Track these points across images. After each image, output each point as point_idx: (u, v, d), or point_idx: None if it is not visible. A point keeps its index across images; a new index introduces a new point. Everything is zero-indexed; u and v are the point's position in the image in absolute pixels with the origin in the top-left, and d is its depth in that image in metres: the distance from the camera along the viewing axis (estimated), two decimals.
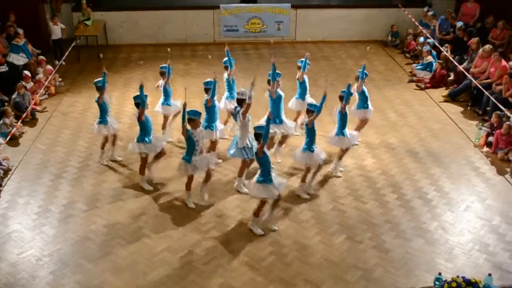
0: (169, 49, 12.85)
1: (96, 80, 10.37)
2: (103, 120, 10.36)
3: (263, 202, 8.58)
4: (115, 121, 10.74)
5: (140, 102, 9.43)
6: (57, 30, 16.13)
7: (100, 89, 10.13)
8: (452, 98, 13.71)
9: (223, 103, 11.28)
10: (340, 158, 10.31)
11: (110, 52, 17.27)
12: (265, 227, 8.75)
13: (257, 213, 8.66)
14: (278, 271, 7.90)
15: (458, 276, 7.39)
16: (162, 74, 11.23)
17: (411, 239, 8.60)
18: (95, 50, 16.69)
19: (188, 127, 8.79)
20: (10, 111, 11.91)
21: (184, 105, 8.78)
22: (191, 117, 8.79)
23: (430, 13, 17.14)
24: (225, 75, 11.45)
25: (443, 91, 14.17)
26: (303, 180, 9.67)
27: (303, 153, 9.39)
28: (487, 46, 13.47)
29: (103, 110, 10.34)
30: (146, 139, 9.64)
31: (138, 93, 9.48)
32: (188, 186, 9.37)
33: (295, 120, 11.37)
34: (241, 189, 9.71)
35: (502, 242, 8.55)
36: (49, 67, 14.59)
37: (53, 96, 14.11)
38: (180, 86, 14.28)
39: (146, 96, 9.53)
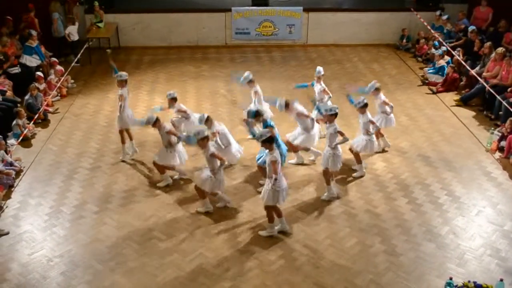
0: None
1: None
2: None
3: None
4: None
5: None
6: (74, 32, 16.26)
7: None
8: (464, 102, 13.63)
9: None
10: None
11: (122, 54, 17.34)
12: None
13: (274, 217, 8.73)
14: (288, 274, 7.89)
15: (469, 281, 7.40)
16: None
17: (422, 244, 8.55)
18: (107, 52, 16.77)
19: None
20: (23, 113, 11.99)
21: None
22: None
23: (445, 17, 17.06)
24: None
25: (454, 96, 14.10)
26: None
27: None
28: (500, 49, 13.37)
29: None
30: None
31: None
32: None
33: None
34: None
35: None
36: (59, 67, 14.67)
37: (65, 97, 14.19)
38: (193, 88, 14.38)
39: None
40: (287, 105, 10.09)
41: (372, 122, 10.17)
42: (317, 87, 11.29)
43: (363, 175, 10.42)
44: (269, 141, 8.17)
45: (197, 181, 9.10)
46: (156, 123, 9.71)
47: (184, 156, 10.10)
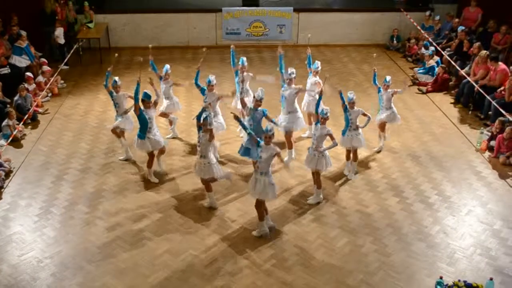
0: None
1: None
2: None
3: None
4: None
5: (138, 97, 9.74)
6: (61, 35, 16.20)
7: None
8: (459, 102, 13.69)
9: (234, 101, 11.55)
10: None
11: (112, 54, 17.23)
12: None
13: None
14: (279, 274, 7.89)
15: (459, 280, 7.43)
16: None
17: (412, 243, 8.59)
18: (97, 52, 16.71)
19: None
20: (13, 113, 11.91)
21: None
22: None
23: (437, 17, 17.15)
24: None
25: (444, 96, 14.17)
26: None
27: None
28: (484, 52, 13.43)
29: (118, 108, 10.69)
30: (142, 135, 9.88)
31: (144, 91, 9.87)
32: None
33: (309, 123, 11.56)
34: None
35: (503, 246, 8.53)
36: (46, 67, 14.57)
37: (56, 96, 14.13)
38: (183, 88, 14.34)
39: (145, 93, 9.75)
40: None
41: (365, 115, 10.10)
42: (312, 79, 11.28)
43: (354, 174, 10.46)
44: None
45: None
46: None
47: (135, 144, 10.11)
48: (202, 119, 8.70)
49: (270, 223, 8.82)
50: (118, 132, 10.81)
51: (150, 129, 9.80)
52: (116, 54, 12.01)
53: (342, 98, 10.01)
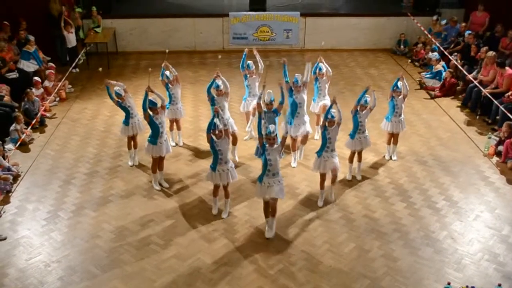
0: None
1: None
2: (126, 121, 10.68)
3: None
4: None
5: (146, 106, 9.72)
6: (71, 38, 16.27)
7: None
8: (467, 107, 13.68)
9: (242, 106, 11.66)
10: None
11: (120, 59, 17.36)
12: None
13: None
14: (286, 279, 7.88)
15: (467, 286, 7.41)
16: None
17: (420, 248, 8.56)
18: (105, 57, 16.77)
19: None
20: (21, 118, 11.96)
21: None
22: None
23: (443, 22, 17.13)
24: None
25: (451, 101, 14.14)
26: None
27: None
28: (491, 53, 13.43)
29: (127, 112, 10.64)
30: (153, 140, 9.83)
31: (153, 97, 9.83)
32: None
33: (317, 124, 11.66)
34: None
35: None
36: (49, 70, 14.58)
37: (64, 100, 14.19)
38: (190, 94, 14.39)
39: (150, 101, 9.68)
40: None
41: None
42: (322, 83, 11.36)
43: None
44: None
45: None
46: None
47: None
48: (212, 129, 8.69)
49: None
50: (130, 138, 10.85)
51: (162, 134, 9.80)
52: (100, 69, 12.03)
53: (359, 99, 10.00)
